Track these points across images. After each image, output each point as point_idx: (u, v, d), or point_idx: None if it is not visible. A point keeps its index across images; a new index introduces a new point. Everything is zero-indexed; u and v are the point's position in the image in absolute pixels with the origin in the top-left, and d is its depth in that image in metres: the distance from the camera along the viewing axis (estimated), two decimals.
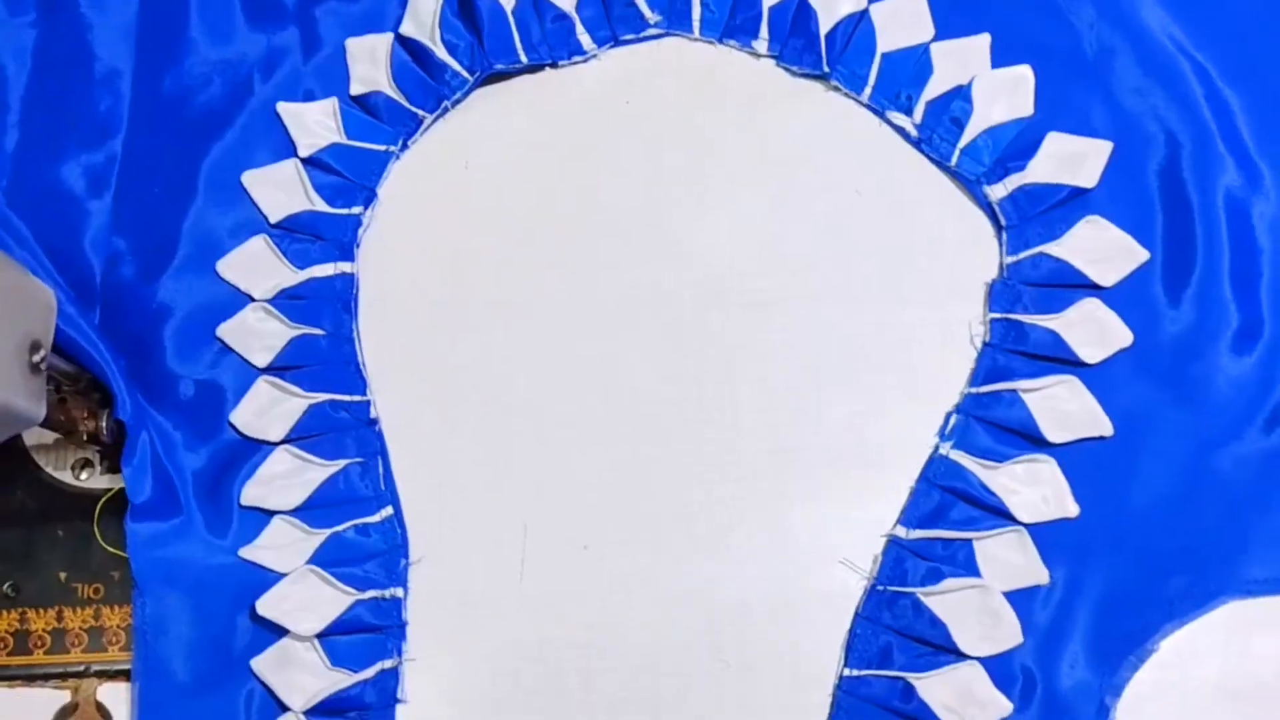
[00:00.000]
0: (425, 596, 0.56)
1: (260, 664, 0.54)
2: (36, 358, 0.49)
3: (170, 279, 0.60)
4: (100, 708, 0.55)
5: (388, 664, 0.54)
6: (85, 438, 0.55)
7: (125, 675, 0.55)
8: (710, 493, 0.57)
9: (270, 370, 0.58)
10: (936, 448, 0.56)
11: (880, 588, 0.55)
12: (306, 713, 0.53)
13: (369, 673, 0.54)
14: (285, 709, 0.53)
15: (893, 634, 0.54)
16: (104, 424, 0.55)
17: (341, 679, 0.53)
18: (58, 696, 0.56)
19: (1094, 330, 0.57)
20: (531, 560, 0.56)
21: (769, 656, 0.55)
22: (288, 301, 0.59)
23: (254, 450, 0.57)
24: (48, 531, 0.57)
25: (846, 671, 0.54)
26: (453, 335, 0.60)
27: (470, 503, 0.57)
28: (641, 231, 0.61)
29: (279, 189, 0.61)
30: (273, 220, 0.61)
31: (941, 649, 0.53)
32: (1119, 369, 0.57)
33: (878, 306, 0.59)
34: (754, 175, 0.62)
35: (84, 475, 0.58)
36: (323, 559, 0.55)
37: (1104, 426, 0.56)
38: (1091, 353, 0.57)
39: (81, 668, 0.56)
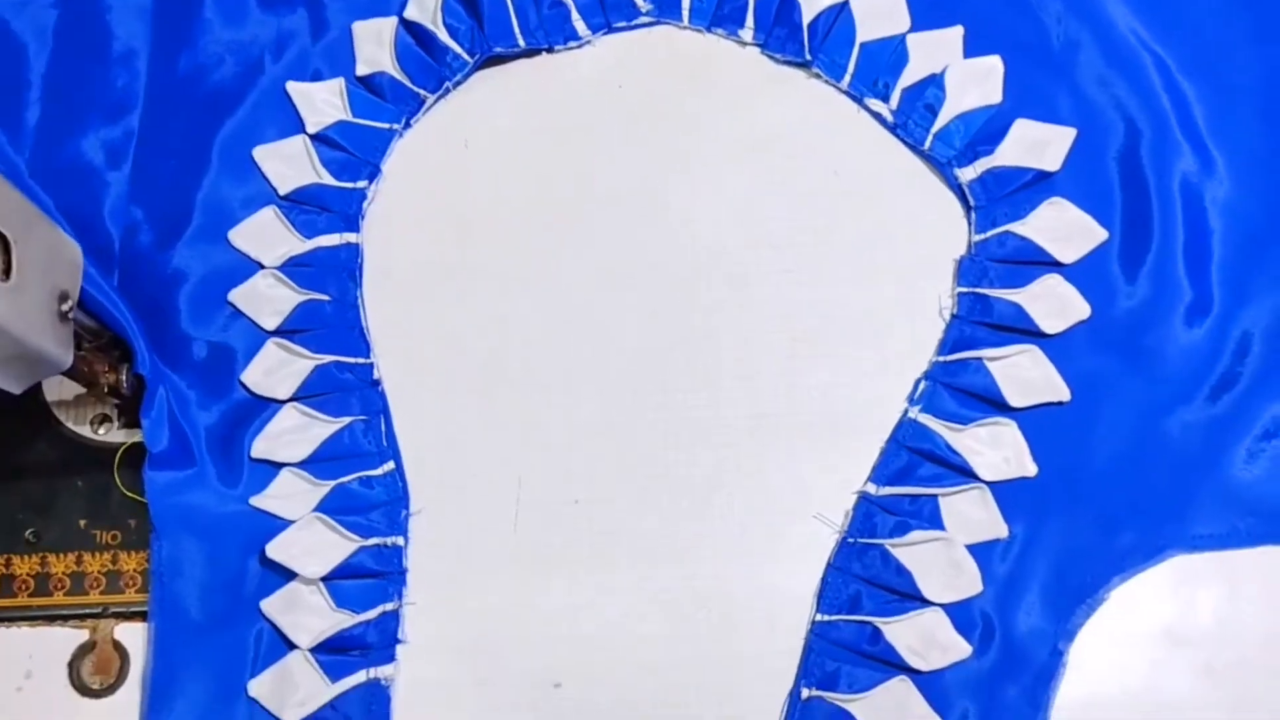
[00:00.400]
0: (425, 545, 0.57)
1: (269, 605, 0.55)
2: (65, 307, 0.50)
3: (185, 247, 0.62)
4: (117, 645, 0.57)
5: (389, 607, 0.56)
6: (106, 390, 0.56)
7: (141, 616, 0.57)
8: (693, 452, 0.59)
9: (279, 333, 0.60)
10: (906, 412, 0.58)
11: (851, 540, 0.56)
12: (312, 651, 0.55)
13: (371, 614, 0.55)
14: (293, 647, 0.55)
15: (862, 583, 0.55)
16: (124, 377, 0.57)
17: (345, 620, 0.55)
18: (77, 635, 0.57)
19: (1055, 304, 0.59)
20: (524, 514, 0.58)
21: (747, 604, 0.56)
22: (296, 269, 0.61)
23: (263, 407, 0.59)
24: (68, 482, 0.59)
25: (818, 617, 0.55)
26: (452, 302, 0.61)
27: (467, 459, 0.59)
28: (631, 208, 0.62)
29: (288, 163, 0.63)
30: (282, 193, 0.62)
31: (907, 596, 0.55)
32: (1077, 340, 0.58)
33: (853, 281, 0.61)
34: (739, 157, 0.63)
35: (102, 430, 0.59)
36: (328, 508, 0.57)
37: (1062, 393, 0.57)
38: (1052, 324, 0.58)
39: (100, 609, 0.57)
